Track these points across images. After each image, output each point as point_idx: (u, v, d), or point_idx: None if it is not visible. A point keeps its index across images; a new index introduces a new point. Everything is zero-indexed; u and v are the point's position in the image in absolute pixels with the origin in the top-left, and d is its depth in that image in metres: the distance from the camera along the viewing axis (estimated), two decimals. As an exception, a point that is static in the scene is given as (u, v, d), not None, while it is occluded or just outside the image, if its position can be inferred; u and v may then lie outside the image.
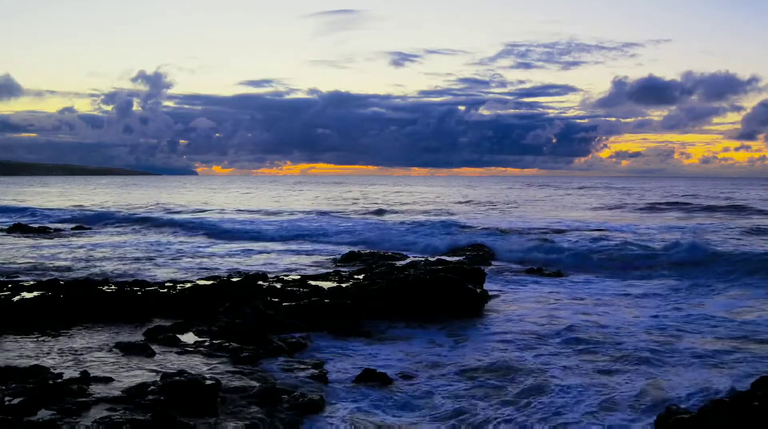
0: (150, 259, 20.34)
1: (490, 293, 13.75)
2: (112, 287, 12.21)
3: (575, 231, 28.41)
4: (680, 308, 12.98)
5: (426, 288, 12.12)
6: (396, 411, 7.28)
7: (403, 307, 11.79)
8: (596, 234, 26.71)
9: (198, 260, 20.29)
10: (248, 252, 22.54)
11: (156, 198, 65.67)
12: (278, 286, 13.16)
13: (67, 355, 8.62)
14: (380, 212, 42.39)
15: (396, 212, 43.30)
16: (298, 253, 22.61)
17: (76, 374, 7.45)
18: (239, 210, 45.56)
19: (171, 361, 8.49)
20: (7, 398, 6.43)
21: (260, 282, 13.41)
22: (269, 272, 16.35)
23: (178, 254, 21.72)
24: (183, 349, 9.09)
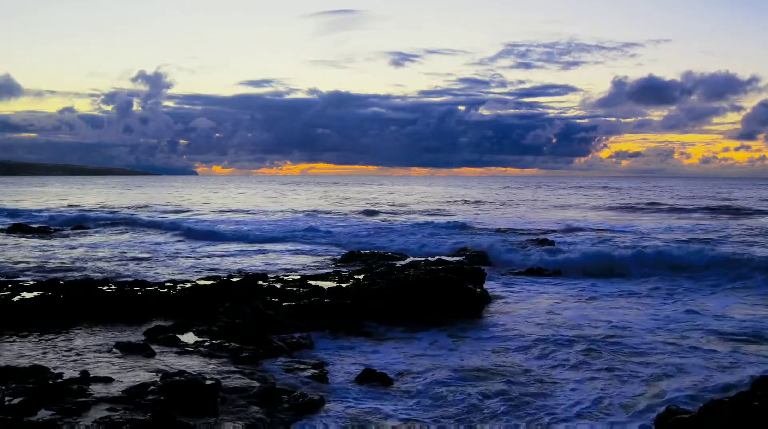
0: (149, 259, 20.36)
1: (490, 293, 13.76)
2: (112, 287, 12.21)
3: (576, 231, 28.43)
4: (681, 308, 12.96)
5: (426, 288, 12.12)
6: (396, 411, 7.28)
7: (403, 307, 11.79)
8: (597, 234, 26.75)
9: (198, 261, 20.29)
10: (247, 252, 22.53)
11: (154, 198, 65.65)
12: (278, 286, 13.15)
13: (67, 355, 8.62)
14: (371, 213, 42.27)
15: (396, 213, 43.30)
16: (297, 253, 22.60)
17: (76, 374, 7.45)
18: (238, 210, 45.57)
19: (171, 361, 8.48)
20: (7, 398, 6.43)
21: (260, 282, 13.41)
22: (269, 272, 16.35)
23: (177, 254, 21.74)
24: (183, 349, 9.08)
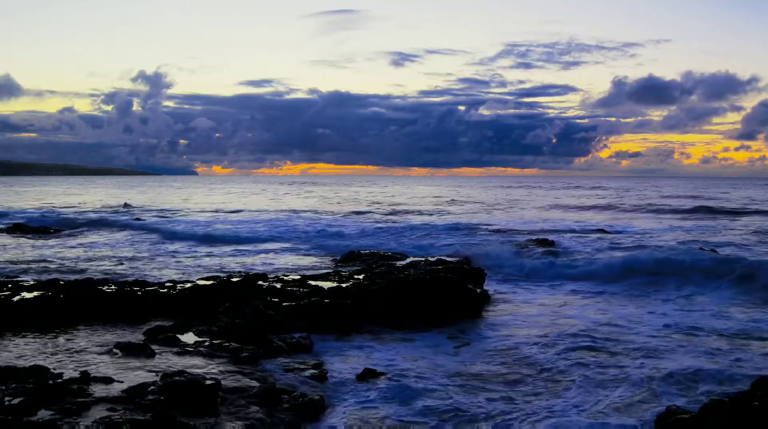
0: (149, 259, 20.35)
1: (491, 293, 13.76)
2: (112, 287, 12.20)
3: (576, 231, 28.40)
4: (682, 308, 12.98)
5: (426, 288, 12.12)
6: (396, 410, 7.28)
7: (404, 307, 11.78)
8: (597, 234, 26.72)
9: (198, 260, 20.28)
10: (247, 252, 22.51)
11: (154, 198, 65.64)
12: (278, 286, 13.14)
13: (67, 355, 8.61)
14: (371, 213, 42.23)
15: (396, 212, 43.28)
16: (297, 252, 22.60)
17: (76, 374, 7.45)
18: (237, 210, 45.55)
19: (171, 361, 8.48)
20: (7, 398, 6.42)
21: (260, 282, 13.40)
22: (269, 272, 16.35)
23: (177, 254, 21.74)
24: (183, 349, 9.08)
